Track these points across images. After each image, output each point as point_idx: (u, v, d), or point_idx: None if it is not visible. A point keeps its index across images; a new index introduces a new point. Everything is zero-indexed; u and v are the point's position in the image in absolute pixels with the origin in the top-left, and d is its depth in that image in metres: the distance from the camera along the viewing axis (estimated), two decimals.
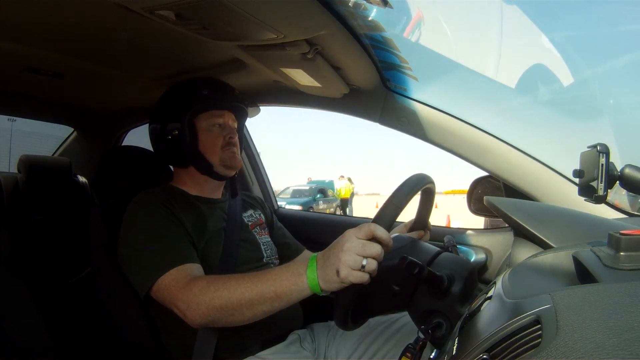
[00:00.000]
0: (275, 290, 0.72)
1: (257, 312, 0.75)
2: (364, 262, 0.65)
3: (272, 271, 0.75)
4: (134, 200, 0.97)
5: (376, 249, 0.66)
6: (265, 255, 1.07)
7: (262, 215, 1.19)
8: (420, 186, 0.74)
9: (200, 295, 0.77)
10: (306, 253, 1.22)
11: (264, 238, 1.11)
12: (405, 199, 0.69)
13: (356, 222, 1.62)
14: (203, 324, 0.80)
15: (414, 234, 0.97)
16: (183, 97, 1.02)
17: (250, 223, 1.11)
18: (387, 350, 0.95)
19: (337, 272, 0.66)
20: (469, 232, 1.22)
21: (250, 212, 1.15)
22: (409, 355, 0.65)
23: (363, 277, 0.65)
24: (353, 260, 0.65)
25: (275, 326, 0.95)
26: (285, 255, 1.18)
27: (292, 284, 0.71)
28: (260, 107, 1.43)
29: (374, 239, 0.66)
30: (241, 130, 1.16)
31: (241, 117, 1.14)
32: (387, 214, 0.68)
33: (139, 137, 1.78)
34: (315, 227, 1.55)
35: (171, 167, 1.14)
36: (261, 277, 0.75)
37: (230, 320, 0.78)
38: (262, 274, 0.76)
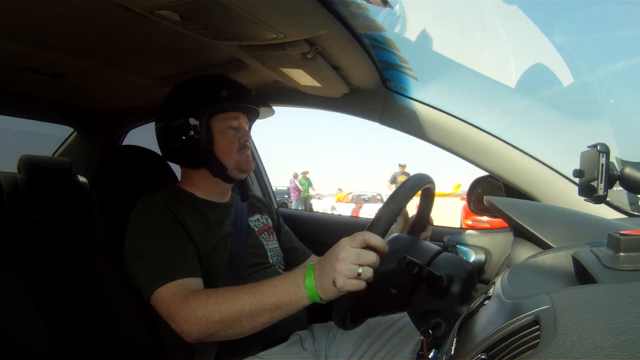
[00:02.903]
0: (274, 301, 0.72)
1: (256, 324, 0.75)
2: (360, 270, 0.65)
3: (270, 282, 0.75)
4: (139, 202, 0.95)
5: (371, 257, 0.66)
6: (271, 262, 1.05)
7: (269, 219, 1.17)
8: (417, 189, 0.74)
9: (199, 309, 0.76)
10: (313, 258, 1.20)
11: (271, 244, 1.10)
12: (401, 203, 0.69)
13: (357, 222, 1.62)
14: (200, 338, 0.79)
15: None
16: (201, 96, 0.98)
17: (257, 228, 1.09)
18: (387, 351, 0.95)
19: (334, 282, 0.66)
20: (468, 232, 1.22)
21: (257, 216, 1.13)
22: None
23: (360, 285, 0.66)
24: (349, 269, 0.65)
25: (279, 330, 0.94)
26: (292, 260, 1.17)
27: (292, 294, 0.71)
28: (271, 115, 1.42)
29: (368, 246, 0.66)
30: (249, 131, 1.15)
31: (252, 118, 1.12)
32: (382, 220, 0.68)
33: (139, 137, 1.78)
34: (316, 227, 1.55)
35: (173, 166, 1.13)
36: (260, 289, 0.74)
37: (228, 334, 0.77)
38: (261, 285, 0.75)
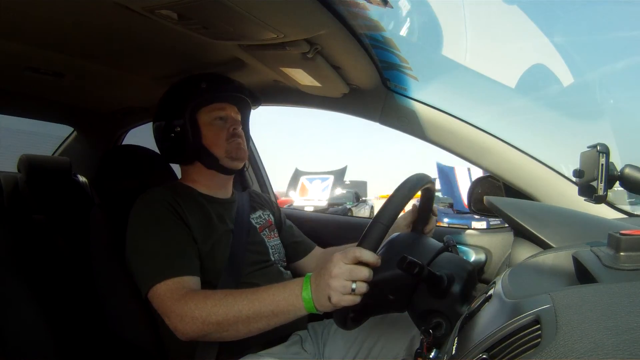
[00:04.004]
0: (272, 309, 0.74)
1: (252, 329, 0.76)
2: (354, 285, 0.66)
3: (269, 289, 0.76)
4: (139, 198, 0.96)
5: (364, 272, 0.67)
6: (273, 259, 1.06)
7: (270, 216, 1.17)
8: (412, 194, 0.72)
9: (196, 309, 0.77)
10: (317, 250, 1.21)
11: (272, 241, 1.10)
12: (392, 215, 0.69)
13: (358, 222, 1.61)
14: (194, 337, 0.79)
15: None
16: (183, 93, 1.02)
17: (258, 225, 1.09)
18: (381, 347, 0.96)
19: (329, 298, 0.68)
20: (468, 232, 1.23)
21: (259, 213, 1.14)
22: None
23: (354, 300, 0.67)
24: (342, 286, 0.66)
25: (280, 329, 0.94)
26: (296, 254, 1.18)
27: (290, 304, 0.73)
28: (257, 107, 1.42)
29: (360, 262, 0.67)
30: (246, 123, 1.15)
31: (245, 109, 1.13)
32: (373, 234, 0.68)
33: (138, 137, 1.78)
34: (317, 227, 1.55)
35: (174, 165, 1.13)
36: (259, 296, 0.75)
37: (223, 336, 0.78)
38: (260, 292, 0.76)
